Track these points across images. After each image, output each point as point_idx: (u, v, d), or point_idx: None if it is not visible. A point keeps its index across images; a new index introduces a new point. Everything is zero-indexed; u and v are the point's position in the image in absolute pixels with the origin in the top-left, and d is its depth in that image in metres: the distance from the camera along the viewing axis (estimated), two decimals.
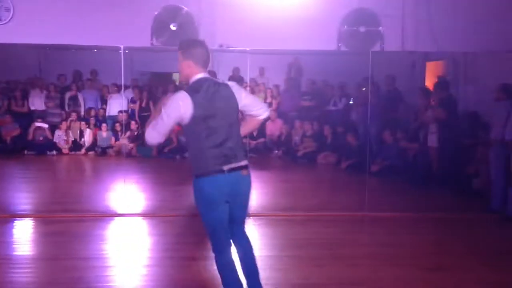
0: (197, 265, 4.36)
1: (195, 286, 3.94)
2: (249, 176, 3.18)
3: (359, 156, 9.52)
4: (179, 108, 2.96)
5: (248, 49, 6.72)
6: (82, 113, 11.75)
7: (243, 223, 3.33)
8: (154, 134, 3.04)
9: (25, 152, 11.08)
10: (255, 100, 3.35)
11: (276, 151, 11.49)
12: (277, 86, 12.56)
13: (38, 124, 11.24)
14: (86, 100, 11.90)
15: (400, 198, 7.23)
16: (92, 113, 11.56)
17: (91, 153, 11.14)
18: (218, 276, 3.17)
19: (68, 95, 11.82)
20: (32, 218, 5.95)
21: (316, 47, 6.81)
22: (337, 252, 4.78)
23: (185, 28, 6.46)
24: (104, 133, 10.99)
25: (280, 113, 11.92)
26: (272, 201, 6.95)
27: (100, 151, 10.98)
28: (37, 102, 11.65)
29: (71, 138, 11.24)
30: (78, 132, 11.31)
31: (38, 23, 6.19)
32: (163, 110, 2.99)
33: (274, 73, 12.53)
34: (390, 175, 8.45)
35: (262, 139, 11.50)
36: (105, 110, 11.60)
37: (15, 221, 5.79)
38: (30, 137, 11.22)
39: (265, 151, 11.46)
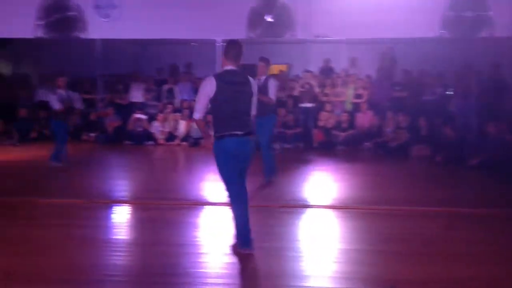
0: (285, 255, 4.37)
1: (278, 276, 3.95)
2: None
3: (456, 149, 9.03)
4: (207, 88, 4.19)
5: (344, 38, 6.58)
6: (177, 105, 12.23)
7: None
8: (195, 111, 4.29)
9: (125, 142, 11.75)
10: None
11: (366, 143, 11.22)
12: (368, 77, 12.22)
13: (137, 115, 11.84)
14: (180, 92, 12.37)
15: (500, 194, 6.75)
16: (186, 105, 12.00)
17: (184, 143, 11.58)
18: (303, 267, 3.13)
19: (165, 87, 12.36)
20: (130, 204, 6.28)
21: (415, 34, 6.50)
22: (430, 249, 4.56)
23: (280, 19, 6.46)
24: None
25: (371, 104, 11.61)
26: (360, 194, 6.79)
27: (192, 141, 11.37)
28: (136, 95, 12.28)
29: (167, 129, 11.74)
30: (173, 123, 11.78)
31: (141, 19, 6.48)
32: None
33: (365, 63, 12.20)
34: (491, 169, 7.93)
35: (351, 131, 11.28)
36: None
37: (115, 207, 6.15)
38: (129, 127, 11.86)
39: (355, 143, 11.23)
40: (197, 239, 4.91)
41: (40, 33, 6.10)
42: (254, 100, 4.44)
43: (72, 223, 5.37)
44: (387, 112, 11.14)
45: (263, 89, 6.71)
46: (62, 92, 8.54)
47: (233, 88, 4.25)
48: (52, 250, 4.51)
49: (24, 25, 6.20)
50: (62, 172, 8.43)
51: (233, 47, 4.36)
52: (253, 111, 4.46)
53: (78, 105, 9.28)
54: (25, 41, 10.02)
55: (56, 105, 8.46)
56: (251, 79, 4.44)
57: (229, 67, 4.34)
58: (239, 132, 4.22)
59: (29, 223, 5.32)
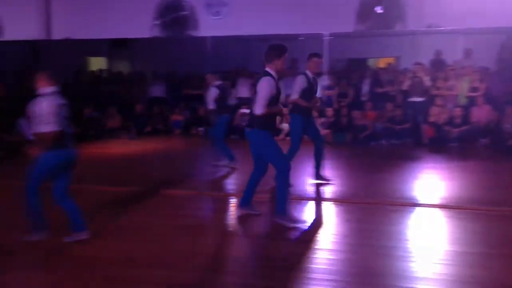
0: (393, 255, 4.24)
1: (385, 275, 3.83)
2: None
3: None
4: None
5: (459, 28, 6.19)
6: (283, 100, 12.32)
7: None
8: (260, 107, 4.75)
9: (231, 136, 12.08)
10: (259, 96, 4.79)
11: (482, 140, 10.49)
12: (485, 69, 11.40)
13: (243, 110, 12.13)
14: (286, 88, 12.45)
15: None
16: (291, 100, 12.05)
17: (289, 138, 11.62)
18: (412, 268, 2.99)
19: None
20: (232, 196, 6.43)
21: None
22: None
23: (391, 10, 6.23)
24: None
25: (488, 98, 10.82)
26: (474, 193, 6.36)
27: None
28: (243, 90, 12.57)
29: None
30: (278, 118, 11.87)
31: (249, 16, 6.61)
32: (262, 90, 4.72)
33: (481, 55, 11.40)
34: None
35: (465, 127, 10.61)
36: None
37: (218, 199, 6.37)
38: (235, 122, 12.18)
39: (470, 139, 10.54)
40: (307, 235, 4.90)
41: (156, 33, 6.46)
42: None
43: (183, 213, 5.64)
44: (507, 107, 10.32)
45: (316, 87, 6.79)
46: (215, 88, 8.04)
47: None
48: (165, 237, 4.78)
49: (142, 26, 6.61)
50: (172, 164, 8.88)
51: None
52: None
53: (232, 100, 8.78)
54: (141, 41, 10.71)
55: (211, 104, 8.03)
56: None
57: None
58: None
59: (146, 212, 5.68)
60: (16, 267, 4.11)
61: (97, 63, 13.46)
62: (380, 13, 6.12)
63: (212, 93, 7.98)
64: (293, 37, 8.55)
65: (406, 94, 11.34)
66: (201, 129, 12.56)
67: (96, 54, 12.64)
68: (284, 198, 4.91)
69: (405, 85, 11.44)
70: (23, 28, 7.05)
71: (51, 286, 3.74)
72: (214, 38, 6.97)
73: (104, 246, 4.50)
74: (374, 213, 5.55)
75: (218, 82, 8.07)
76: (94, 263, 4.11)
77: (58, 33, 6.97)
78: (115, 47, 11.66)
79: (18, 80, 10.57)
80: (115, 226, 5.11)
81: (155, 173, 8.18)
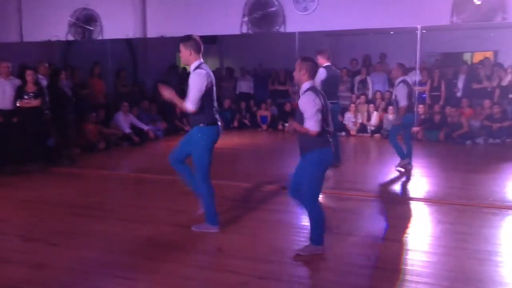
0: (490, 259, 3.99)
1: (480, 280, 3.61)
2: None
3: None
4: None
5: None
6: (370, 96, 12.04)
7: None
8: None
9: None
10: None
11: None
12: None
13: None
14: (374, 83, 12.15)
15: None
16: (379, 96, 11.74)
17: (377, 135, 11.35)
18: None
19: (357, 78, 12.27)
20: (323, 194, 6.39)
21: None
22: None
23: (490, 1, 5.85)
24: (390, 115, 10.98)
25: None
26: None
27: (386, 134, 11.07)
28: None
29: (359, 120, 11.65)
30: (366, 114, 11.63)
31: (337, 10, 6.50)
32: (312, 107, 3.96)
33: None
34: None
35: None
36: (391, 93, 11.63)
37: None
38: None
39: None
40: (399, 235, 4.76)
41: (245, 29, 6.56)
42: None
43: (270, 207, 5.69)
44: None
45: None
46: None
47: None
48: (256, 230, 4.85)
49: (232, 23, 6.74)
50: (258, 159, 8.99)
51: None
52: None
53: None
54: (230, 38, 10.91)
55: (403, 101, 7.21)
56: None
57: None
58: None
59: (235, 205, 5.80)
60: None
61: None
62: (478, 4, 5.74)
63: (402, 89, 7.25)
64: (384, 31, 8.29)
65: (506, 90, 10.63)
66: (287, 124, 12.61)
67: None
68: (316, 226, 4.21)
69: (505, 81, 10.74)
70: (121, 27, 7.45)
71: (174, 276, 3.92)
72: (302, 33, 6.94)
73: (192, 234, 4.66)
74: (469, 215, 5.27)
75: (405, 77, 7.34)
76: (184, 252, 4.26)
77: (153, 32, 7.31)
78: (205, 44, 11.95)
79: (115, 77, 11.22)
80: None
81: (241, 167, 8.33)
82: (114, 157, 9.29)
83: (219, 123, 4.66)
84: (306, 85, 4.05)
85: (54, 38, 7.83)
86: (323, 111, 3.99)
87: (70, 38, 7.78)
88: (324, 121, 3.99)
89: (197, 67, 4.54)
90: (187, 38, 4.58)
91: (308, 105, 3.92)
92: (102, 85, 10.45)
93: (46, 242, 3.77)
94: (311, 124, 3.94)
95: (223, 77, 13.58)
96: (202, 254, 4.28)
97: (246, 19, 6.51)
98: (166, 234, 4.75)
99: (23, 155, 7.33)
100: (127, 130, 10.17)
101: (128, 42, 11.31)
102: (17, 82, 7.41)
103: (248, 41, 12.49)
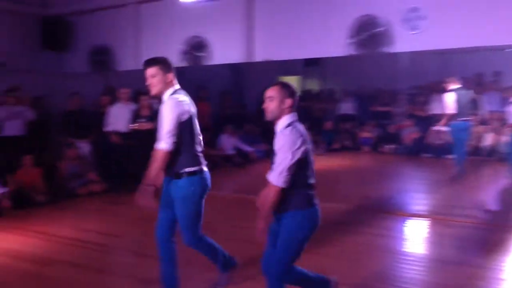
0: None
1: None
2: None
3: None
4: None
5: None
6: (481, 116, 11.34)
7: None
8: None
9: (423, 154, 11.51)
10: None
11: None
12: None
13: (436, 127, 11.46)
14: (487, 103, 11.43)
15: None
16: (495, 116, 11.00)
17: (490, 158, 10.62)
18: None
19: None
20: (427, 218, 6.09)
21: None
22: None
23: None
24: (504, 137, 10.23)
25: None
26: None
27: (501, 156, 10.32)
28: (436, 107, 11.89)
29: (472, 142, 10.98)
30: (478, 136, 10.95)
31: (448, 28, 6.23)
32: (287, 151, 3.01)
33: None
34: None
35: None
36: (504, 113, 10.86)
37: (409, 220, 6.06)
38: (429, 140, 11.58)
39: None
40: (498, 263, 4.40)
41: (350, 51, 6.52)
42: None
43: (371, 231, 5.53)
44: None
45: None
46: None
47: None
48: (358, 255, 4.73)
49: (335, 44, 6.73)
50: (360, 182, 8.79)
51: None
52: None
53: None
54: (332, 59, 10.89)
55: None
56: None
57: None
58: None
59: (337, 228, 5.71)
60: None
61: (290, 82, 14.18)
62: None
63: None
64: (498, 48, 7.79)
65: None
66: (390, 146, 12.23)
67: (290, 73, 13.29)
68: None
69: None
70: (229, 52, 7.77)
71: None
72: (409, 53, 6.75)
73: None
74: None
75: None
76: None
77: (259, 56, 7.53)
78: (308, 66, 12.10)
79: (220, 100, 11.67)
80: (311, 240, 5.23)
81: (341, 189, 8.20)
82: (218, 177, 9.53)
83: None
84: (286, 119, 3.06)
85: None
86: (306, 158, 3.01)
87: (182, 64, 8.25)
88: (306, 170, 3.06)
89: (174, 93, 3.56)
90: (164, 60, 3.60)
91: (285, 147, 2.94)
92: (208, 108, 10.90)
93: (156, 258, 3.96)
94: (275, 176, 2.95)
95: (324, 99, 13.57)
96: None
97: (352, 40, 6.46)
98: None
99: (138, 175, 7.80)
100: (231, 152, 10.47)
101: (232, 66, 11.72)
102: (133, 106, 7.98)
103: (350, 62, 12.39)
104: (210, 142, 10.51)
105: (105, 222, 6.04)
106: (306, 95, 13.55)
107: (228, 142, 10.60)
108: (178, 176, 3.46)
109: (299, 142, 2.93)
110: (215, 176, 9.37)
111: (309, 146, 3.04)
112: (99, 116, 8.32)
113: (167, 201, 3.60)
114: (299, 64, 11.69)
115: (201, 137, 3.69)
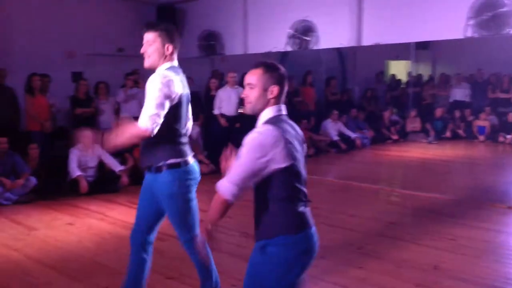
0: None
1: None
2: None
3: None
4: None
5: None
6: None
7: None
8: None
9: None
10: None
11: None
12: None
13: None
14: None
15: None
16: None
17: None
18: None
19: None
20: None
21: None
22: None
23: None
24: None
25: None
26: None
27: None
28: None
29: None
30: None
31: None
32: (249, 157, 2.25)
33: None
34: None
35: None
36: None
37: None
38: None
39: None
40: None
41: (469, 33, 6.06)
42: None
43: (487, 226, 5.18)
44: None
45: None
46: None
47: None
48: (475, 251, 4.46)
49: (453, 26, 6.29)
50: (475, 173, 8.25)
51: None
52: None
53: None
54: (443, 42, 10.25)
55: None
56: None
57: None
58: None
59: (452, 221, 5.42)
60: None
61: (398, 67, 13.58)
62: None
63: None
64: None
65: None
66: (509, 136, 11.31)
67: (398, 57, 12.75)
68: None
69: None
70: (336, 37, 7.60)
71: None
72: None
73: (413, 250, 4.49)
74: None
75: None
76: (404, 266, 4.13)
77: (367, 40, 7.27)
78: (416, 50, 11.55)
79: (325, 85, 11.52)
80: (420, 232, 5.03)
81: (455, 181, 7.76)
82: (322, 163, 9.52)
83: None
84: (269, 112, 2.21)
85: (274, 50, 8.38)
86: (294, 166, 2.13)
87: (288, 48, 8.23)
88: (295, 182, 2.17)
89: (169, 69, 2.94)
90: (168, 28, 3.00)
91: (246, 150, 2.11)
92: (313, 93, 10.83)
93: None
94: (224, 183, 2.13)
95: (436, 85, 12.87)
96: (418, 270, 4.07)
97: (472, 22, 6.00)
98: (375, 244, 4.67)
99: None
100: (335, 138, 10.34)
101: (338, 50, 11.51)
102: (241, 90, 8.15)
103: (466, 44, 11.58)
104: (314, 127, 10.48)
105: None
106: (417, 80, 12.95)
107: (333, 128, 10.48)
108: (158, 169, 2.94)
109: (271, 150, 2.08)
110: (319, 162, 9.41)
111: (299, 151, 2.20)
112: (209, 99, 8.62)
113: (145, 197, 3.11)
114: (409, 48, 11.15)
115: (190, 125, 3.17)
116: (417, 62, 12.92)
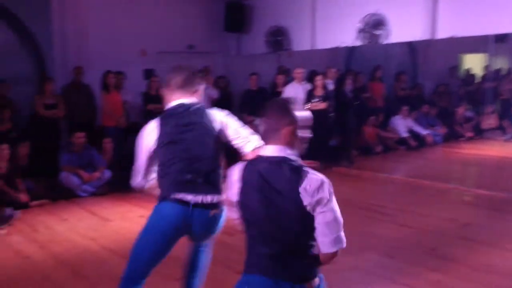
0: None
1: None
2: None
3: None
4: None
5: None
6: None
7: None
8: None
9: None
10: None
11: None
12: None
13: None
14: None
15: None
16: None
17: None
18: None
19: None
20: None
21: None
22: None
23: None
24: None
25: None
26: None
27: None
28: None
29: None
30: None
31: None
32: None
33: None
34: None
35: None
36: None
37: None
38: None
39: None
40: None
41: None
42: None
43: None
44: None
45: None
46: None
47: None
48: None
49: None
50: None
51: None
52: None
53: None
54: None
55: None
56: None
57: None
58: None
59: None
60: None
61: (473, 61, 12.93)
62: None
63: None
64: None
65: None
66: None
67: (476, 51, 12.14)
68: None
69: None
70: (408, 30, 7.34)
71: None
72: None
73: (491, 253, 4.28)
74: None
75: None
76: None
77: (442, 33, 6.96)
78: (497, 43, 10.95)
79: (394, 80, 11.17)
80: (498, 234, 4.79)
81: None
82: (390, 160, 9.28)
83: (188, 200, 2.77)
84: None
85: (341, 45, 8.25)
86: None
87: (357, 43, 8.07)
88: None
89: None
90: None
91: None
92: (382, 88, 10.55)
93: None
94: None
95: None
96: (498, 275, 3.87)
97: None
98: (449, 246, 4.49)
99: (310, 154, 7.93)
100: (405, 134, 10.03)
101: (409, 43, 11.13)
102: (308, 86, 8.09)
103: None
104: (382, 124, 10.21)
105: None
106: (495, 75, 12.28)
107: (402, 124, 10.16)
108: (221, 205, 2.84)
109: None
110: (386, 159, 9.17)
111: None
112: (275, 95, 8.62)
113: (175, 238, 2.96)
114: (487, 41, 10.58)
115: (201, 164, 2.83)
116: (494, 55, 12.25)
